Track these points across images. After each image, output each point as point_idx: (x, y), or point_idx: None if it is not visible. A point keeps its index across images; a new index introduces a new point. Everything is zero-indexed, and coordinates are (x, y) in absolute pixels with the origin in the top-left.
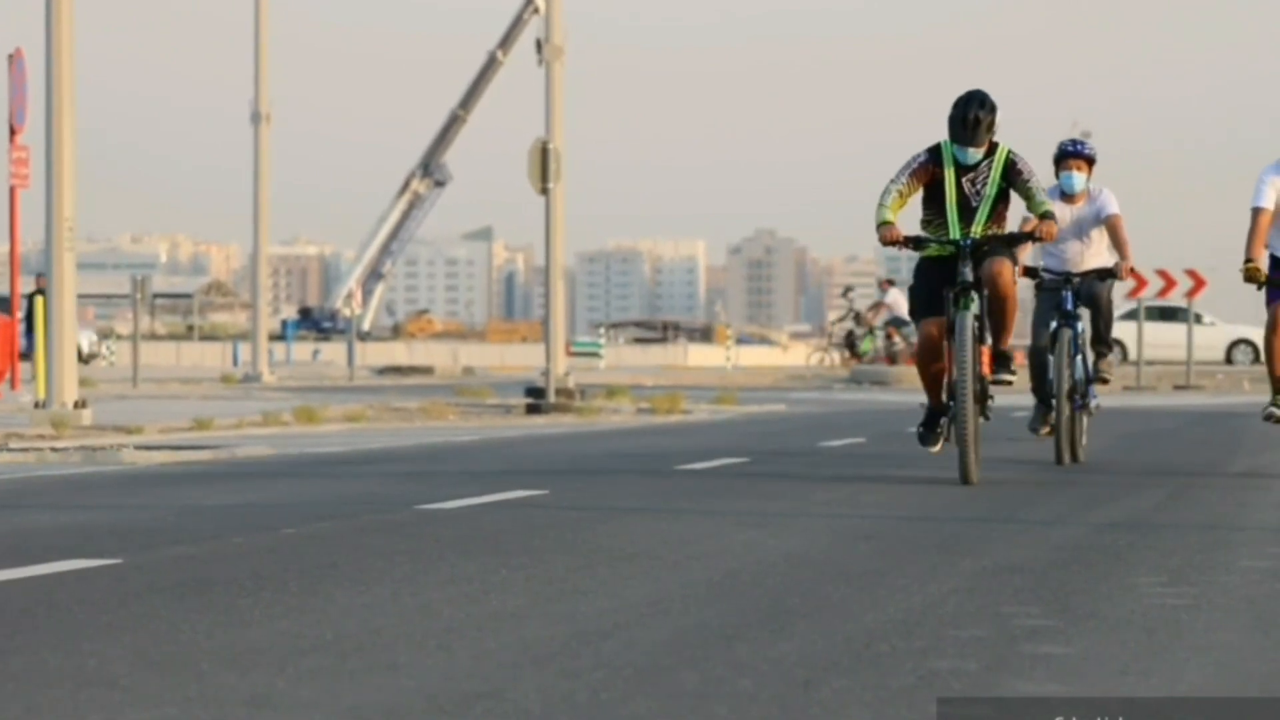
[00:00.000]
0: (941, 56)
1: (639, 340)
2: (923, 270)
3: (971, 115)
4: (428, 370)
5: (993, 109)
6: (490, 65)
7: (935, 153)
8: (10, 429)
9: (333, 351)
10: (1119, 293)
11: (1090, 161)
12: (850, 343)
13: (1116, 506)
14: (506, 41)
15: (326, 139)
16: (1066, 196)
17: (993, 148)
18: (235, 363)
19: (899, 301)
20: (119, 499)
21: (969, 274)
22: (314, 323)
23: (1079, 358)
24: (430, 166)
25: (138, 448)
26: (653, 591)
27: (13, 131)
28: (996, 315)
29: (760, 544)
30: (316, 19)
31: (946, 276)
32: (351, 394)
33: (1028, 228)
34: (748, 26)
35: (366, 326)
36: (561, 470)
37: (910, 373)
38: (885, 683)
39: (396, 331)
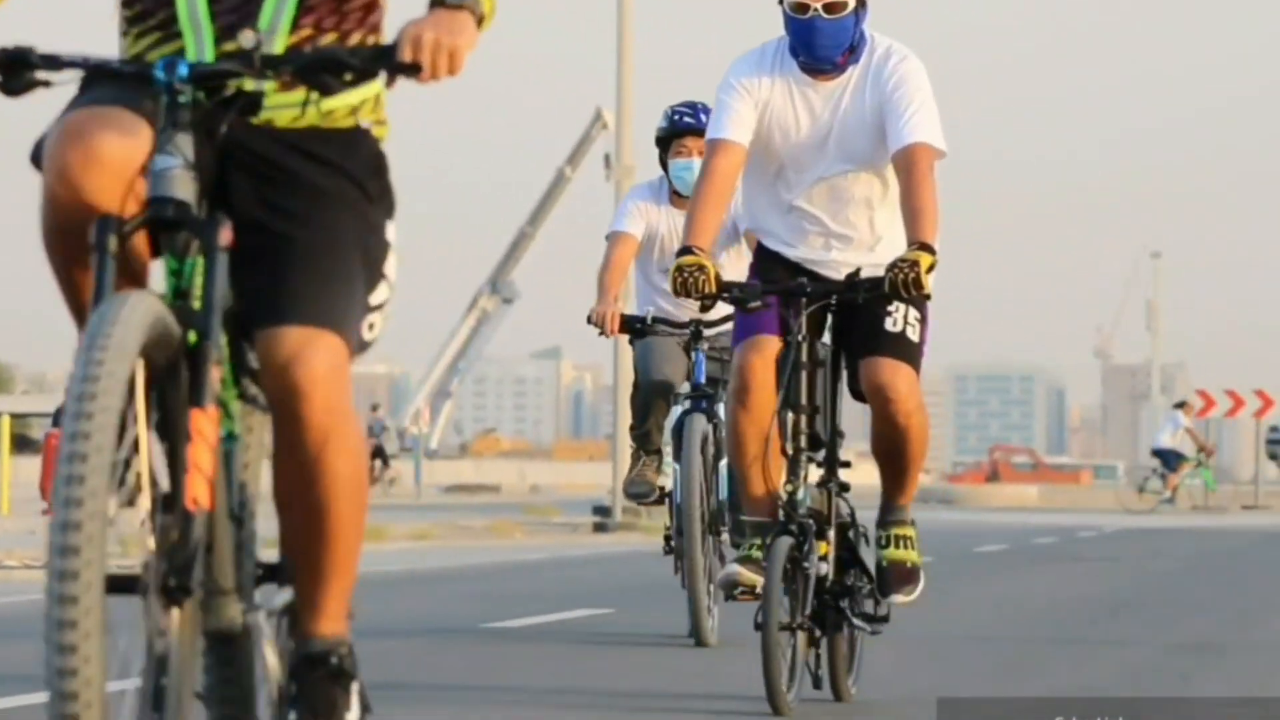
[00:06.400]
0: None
1: None
2: None
3: None
4: (495, 488)
5: None
6: (559, 182)
7: None
8: None
9: (400, 469)
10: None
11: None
12: (380, 455)
13: (1186, 627)
14: (575, 157)
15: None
16: (683, 199)
17: None
18: None
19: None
20: None
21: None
22: None
23: (723, 464)
24: (498, 284)
25: None
26: None
27: None
28: None
29: None
30: None
31: None
32: (418, 512)
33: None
34: None
35: (434, 445)
36: (627, 588)
37: (978, 491)
38: None
39: (464, 450)
